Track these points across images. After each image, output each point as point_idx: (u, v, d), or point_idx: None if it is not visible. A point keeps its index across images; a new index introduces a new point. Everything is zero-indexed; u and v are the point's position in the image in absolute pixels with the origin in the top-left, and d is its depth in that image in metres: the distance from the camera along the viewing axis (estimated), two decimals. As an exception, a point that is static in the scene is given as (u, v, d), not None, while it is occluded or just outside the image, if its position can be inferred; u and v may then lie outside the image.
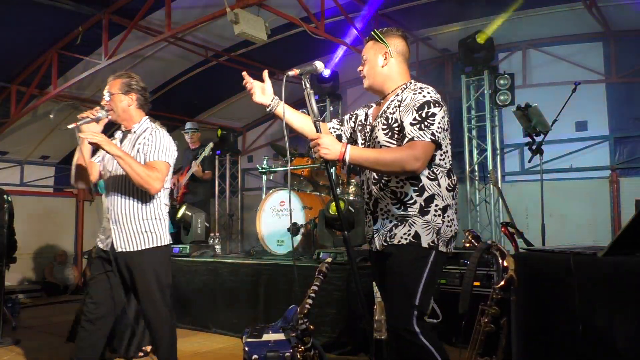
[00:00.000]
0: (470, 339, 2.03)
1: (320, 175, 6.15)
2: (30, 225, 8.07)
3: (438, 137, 2.12)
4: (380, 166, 2.12)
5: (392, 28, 2.38)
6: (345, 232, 2.15)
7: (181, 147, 7.06)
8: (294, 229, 4.93)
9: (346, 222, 4.59)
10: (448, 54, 7.83)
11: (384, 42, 2.30)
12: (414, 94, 2.19)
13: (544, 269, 2.71)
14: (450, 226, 2.24)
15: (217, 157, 8.59)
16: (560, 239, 5.45)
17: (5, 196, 5.11)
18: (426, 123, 2.10)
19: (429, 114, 2.12)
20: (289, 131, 2.35)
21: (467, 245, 3.06)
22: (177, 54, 7.10)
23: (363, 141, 2.37)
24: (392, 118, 2.22)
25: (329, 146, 2.10)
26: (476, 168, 6.98)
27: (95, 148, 2.78)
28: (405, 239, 2.18)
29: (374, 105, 2.46)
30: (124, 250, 2.77)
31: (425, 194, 2.20)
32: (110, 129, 2.97)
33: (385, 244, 2.24)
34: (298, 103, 6.43)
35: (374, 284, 2.97)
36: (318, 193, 6.09)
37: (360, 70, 2.40)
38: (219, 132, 8.61)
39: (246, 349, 3.16)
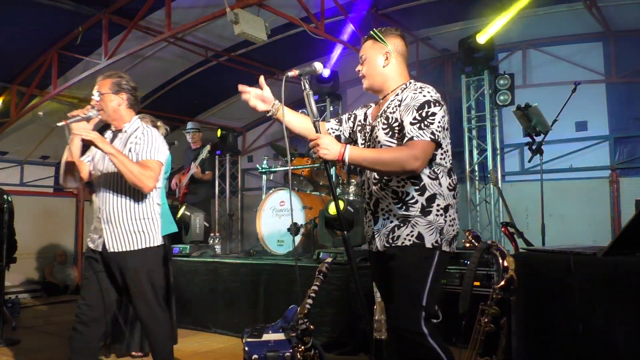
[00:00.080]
0: (470, 339, 2.02)
1: (320, 175, 6.16)
2: (30, 225, 8.07)
3: (438, 136, 2.12)
4: (380, 166, 2.12)
5: (391, 28, 2.37)
6: (345, 232, 2.15)
7: (182, 147, 7.14)
8: (294, 229, 4.93)
9: (345, 222, 4.59)
10: (448, 54, 7.82)
11: (385, 42, 2.30)
12: (414, 93, 2.19)
13: (544, 269, 2.71)
14: (452, 225, 2.24)
15: (217, 157, 8.60)
16: (560, 239, 5.45)
17: (5, 196, 5.11)
18: (426, 122, 2.10)
19: (429, 113, 2.12)
20: (289, 132, 2.35)
21: (467, 245, 3.05)
22: (177, 54, 7.10)
23: (363, 141, 2.37)
24: (392, 117, 2.22)
25: (328, 146, 2.10)
26: (476, 168, 6.97)
27: (84, 147, 2.77)
28: (409, 240, 2.17)
29: (372, 105, 2.45)
30: (116, 250, 2.75)
31: (427, 193, 2.20)
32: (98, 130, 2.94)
33: (388, 245, 2.23)
34: (298, 103, 6.43)
35: (374, 284, 2.97)
36: (318, 193, 6.10)
37: (359, 70, 2.39)
38: (219, 132, 8.62)
39: (246, 348, 3.17)
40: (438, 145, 2.16)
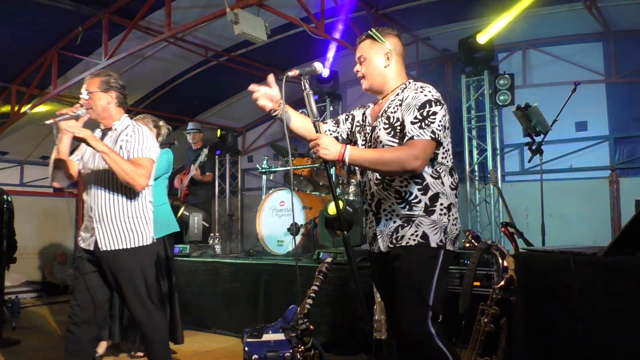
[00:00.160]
0: (470, 339, 2.02)
1: (320, 175, 6.16)
2: (30, 225, 8.07)
3: (438, 135, 2.11)
4: (380, 166, 2.12)
5: (387, 28, 2.35)
6: (345, 232, 2.15)
7: (183, 147, 7.13)
8: (294, 229, 4.93)
9: (345, 222, 4.59)
10: (448, 54, 7.82)
11: (385, 42, 2.28)
12: (415, 92, 2.19)
13: (544, 269, 2.72)
14: (455, 224, 2.25)
15: (217, 157, 8.61)
16: (560, 239, 5.46)
17: (5, 196, 5.11)
18: (427, 122, 2.10)
19: (430, 112, 2.12)
20: (289, 132, 2.34)
21: (467, 245, 3.05)
22: (177, 54, 7.10)
23: (363, 142, 2.36)
24: (393, 117, 2.22)
25: (328, 146, 2.10)
26: (476, 168, 6.98)
27: (73, 146, 2.75)
28: (414, 240, 2.17)
29: (371, 105, 2.44)
30: (108, 249, 2.73)
31: (430, 193, 2.19)
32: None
33: (392, 246, 2.22)
34: (298, 103, 6.43)
35: (374, 284, 2.97)
36: (318, 193, 6.10)
37: (357, 71, 2.36)
38: (219, 132, 8.63)
39: (246, 349, 3.17)
40: (439, 144, 2.16)
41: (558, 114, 4.79)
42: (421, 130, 2.10)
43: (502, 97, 6.46)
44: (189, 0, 5.80)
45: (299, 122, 2.37)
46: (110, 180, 2.77)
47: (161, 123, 4.14)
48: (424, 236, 2.16)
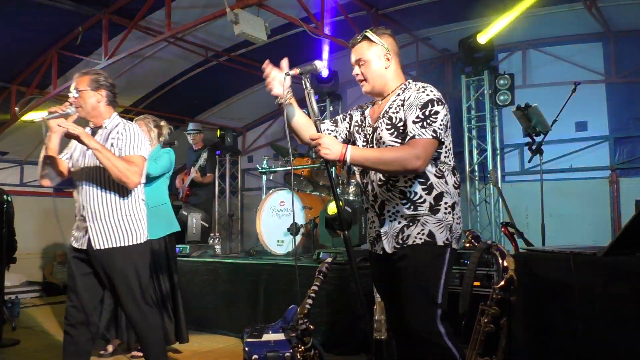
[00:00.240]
0: (470, 339, 2.02)
1: (320, 175, 6.16)
2: (30, 225, 8.06)
3: (440, 134, 2.11)
4: (382, 165, 2.11)
5: (380, 28, 2.32)
6: (346, 232, 2.15)
7: (184, 147, 7.13)
8: (294, 229, 4.93)
9: (345, 222, 4.59)
10: (448, 54, 7.82)
11: (383, 43, 2.26)
12: (417, 92, 2.18)
13: (544, 269, 2.72)
14: (459, 223, 2.26)
15: (217, 157, 8.61)
16: (560, 239, 5.45)
17: (5, 196, 5.10)
18: (428, 121, 2.10)
19: (432, 112, 2.12)
20: (290, 128, 2.33)
21: (467, 245, 3.06)
22: (177, 54, 7.10)
23: (364, 143, 2.34)
24: (396, 118, 2.21)
25: (330, 146, 2.09)
26: (476, 168, 6.98)
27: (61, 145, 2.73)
28: (420, 238, 2.16)
29: (369, 106, 2.42)
30: (102, 247, 2.71)
31: (434, 192, 2.19)
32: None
33: (398, 246, 2.20)
34: (298, 102, 6.42)
35: (373, 283, 2.96)
36: (318, 193, 6.10)
37: (357, 74, 2.31)
38: (218, 132, 8.64)
39: (246, 349, 3.17)
40: (440, 143, 2.15)
41: (558, 114, 4.79)
42: (423, 130, 2.09)
43: (502, 97, 6.47)
44: (189, 0, 5.80)
45: (301, 119, 2.34)
46: (102, 179, 2.75)
47: (162, 123, 4.14)
48: (431, 235, 2.16)
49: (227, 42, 7.06)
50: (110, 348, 4.10)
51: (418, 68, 7.56)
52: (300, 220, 5.25)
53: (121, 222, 2.76)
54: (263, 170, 6.36)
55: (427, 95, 2.16)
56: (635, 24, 6.36)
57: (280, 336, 3.20)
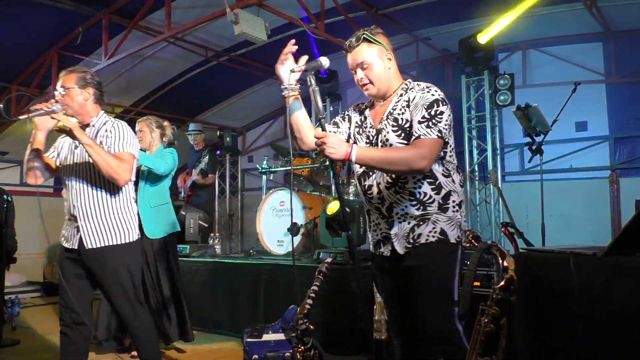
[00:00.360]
0: (470, 339, 2.02)
1: (320, 175, 6.16)
2: (31, 225, 8.04)
3: (445, 134, 2.11)
4: (387, 165, 2.09)
5: (374, 27, 2.28)
6: (349, 232, 2.14)
7: (185, 147, 7.13)
8: (294, 229, 4.93)
9: (344, 222, 4.59)
10: (448, 54, 7.83)
11: (382, 44, 2.23)
12: (422, 92, 2.17)
13: (544, 269, 2.72)
14: (466, 221, 2.28)
15: (217, 157, 8.61)
16: (560, 239, 5.44)
17: (5, 196, 5.10)
18: (434, 121, 2.10)
19: (438, 112, 2.11)
20: (290, 124, 2.29)
21: (467, 245, 3.06)
22: (177, 54, 7.10)
23: (367, 144, 2.30)
24: (402, 119, 2.19)
25: (335, 145, 2.05)
26: (476, 168, 6.98)
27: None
28: (433, 236, 2.15)
29: (367, 106, 2.39)
30: (94, 246, 2.69)
31: (443, 191, 2.19)
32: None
33: (410, 246, 2.18)
34: (302, 101, 6.43)
35: (374, 284, 2.95)
36: (318, 193, 6.10)
37: (361, 79, 2.24)
38: (218, 132, 8.65)
39: (246, 349, 3.17)
40: (445, 142, 2.15)
41: (558, 114, 4.79)
42: (428, 130, 2.09)
43: (502, 97, 6.46)
44: (189, 0, 5.80)
45: (303, 119, 2.28)
46: (92, 176, 2.72)
47: (165, 123, 4.14)
48: (443, 232, 2.16)
49: (227, 42, 7.06)
50: (127, 343, 4.10)
51: (418, 68, 7.56)
52: (300, 220, 5.25)
53: (113, 221, 2.73)
54: (263, 170, 6.36)
55: (433, 95, 2.15)
56: (635, 24, 6.37)
57: (280, 336, 3.20)
